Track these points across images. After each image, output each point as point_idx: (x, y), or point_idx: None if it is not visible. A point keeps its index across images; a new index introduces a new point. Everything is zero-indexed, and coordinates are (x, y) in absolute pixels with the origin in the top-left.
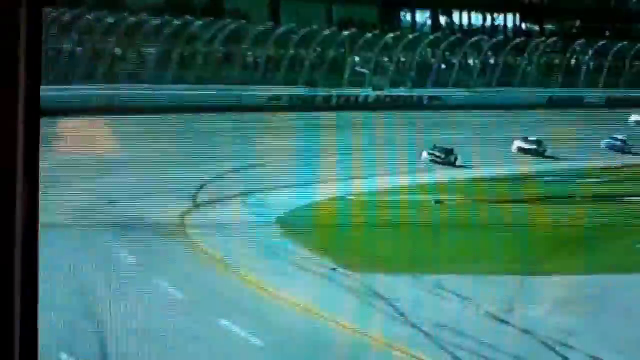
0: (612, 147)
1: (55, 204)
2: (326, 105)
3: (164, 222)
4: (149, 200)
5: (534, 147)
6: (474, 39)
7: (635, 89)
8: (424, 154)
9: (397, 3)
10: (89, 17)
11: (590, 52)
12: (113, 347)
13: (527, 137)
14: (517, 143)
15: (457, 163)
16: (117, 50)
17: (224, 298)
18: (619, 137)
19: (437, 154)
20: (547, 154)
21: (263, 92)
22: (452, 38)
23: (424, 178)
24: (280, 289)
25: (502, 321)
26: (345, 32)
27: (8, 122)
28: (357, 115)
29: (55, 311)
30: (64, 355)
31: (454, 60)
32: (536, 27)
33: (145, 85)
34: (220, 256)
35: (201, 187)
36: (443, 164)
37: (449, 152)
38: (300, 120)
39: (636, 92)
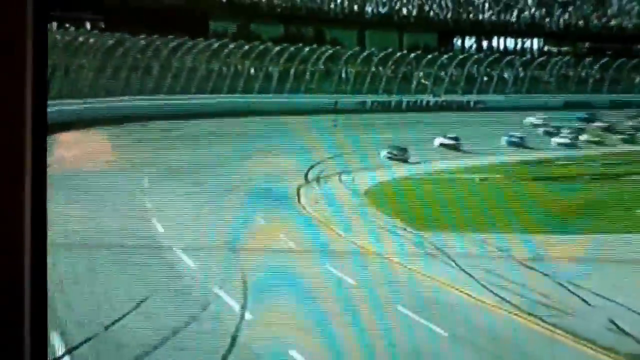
0: (511, 143)
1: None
2: (398, 108)
3: (285, 194)
4: (275, 177)
5: (452, 142)
6: (508, 58)
7: (630, 95)
8: (383, 153)
9: (450, 32)
10: (232, 46)
11: (596, 67)
12: (251, 279)
13: (446, 135)
14: (439, 140)
15: (410, 160)
16: (252, 71)
17: (326, 249)
18: (517, 134)
19: (394, 152)
20: (462, 148)
21: (353, 99)
22: (491, 57)
23: (470, 161)
24: (364, 242)
25: (529, 267)
26: (412, 54)
27: (15, 136)
28: (421, 115)
29: (212, 251)
30: (216, 288)
31: (494, 74)
32: (554, 49)
33: (270, 95)
34: (323, 217)
35: (310, 168)
36: (399, 160)
37: (404, 150)
38: (379, 119)
39: (631, 97)
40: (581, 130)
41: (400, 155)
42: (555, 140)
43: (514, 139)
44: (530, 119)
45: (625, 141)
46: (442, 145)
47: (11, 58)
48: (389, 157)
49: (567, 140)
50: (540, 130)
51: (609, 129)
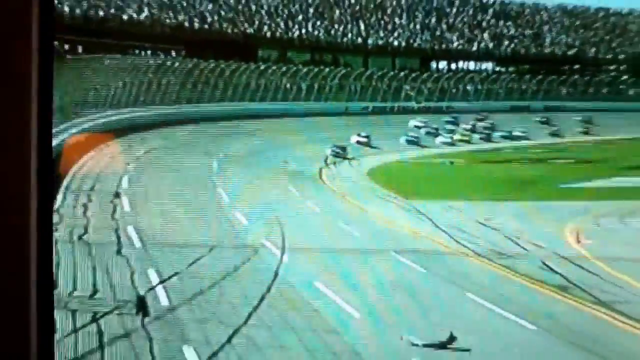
0: (409, 142)
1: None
2: (391, 111)
3: (311, 173)
4: (304, 161)
5: (365, 140)
6: (470, 75)
7: (558, 101)
8: (328, 152)
9: (429, 57)
10: (274, 68)
11: (533, 82)
12: (288, 233)
13: (360, 133)
14: (354, 137)
15: (349, 155)
16: (288, 85)
17: (340, 212)
18: (413, 134)
19: (337, 150)
20: (372, 144)
21: (359, 105)
22: (459, 75)
23: (444, 149)
24: (367, 206)
25: (482, 224)
26: (402, 73)
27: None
28: (407, 117)
29: (260, 213)
30: (263, 239)
31: (460, 87)
32: (503, 69)
33: (301, 103)
34: (338, 190)
35: (327, 156)
36: (341, 157)
37: (343, 148)
38: (378, 120)
39: (559, 103)
40: (453, 131)
41: (342, 152)
42: (439, 139)
43: (410, 138)
44: (413, 122)
45: (482, 139)
46: (357, 142)
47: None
48: (333, 155)
49: (448, 140)
50: (423, 131)
51: (472, 130)
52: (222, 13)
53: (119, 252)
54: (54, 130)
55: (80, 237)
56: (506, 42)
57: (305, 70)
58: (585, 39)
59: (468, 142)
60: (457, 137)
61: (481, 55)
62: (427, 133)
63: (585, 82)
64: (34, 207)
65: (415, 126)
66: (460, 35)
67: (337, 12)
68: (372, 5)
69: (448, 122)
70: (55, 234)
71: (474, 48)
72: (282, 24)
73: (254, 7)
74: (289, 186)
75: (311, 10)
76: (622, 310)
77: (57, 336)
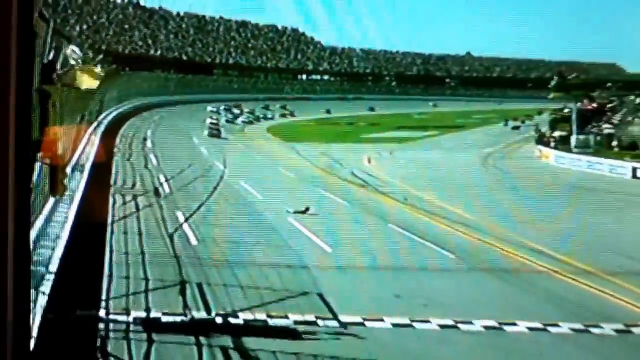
0: (227, 121)
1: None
2: (286, 98)
3: (242, 128)
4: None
5: (215, 121)
6: (321, 82)
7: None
8: (205, 132)
9: (298, 73)
10: (222, 78)
11: (348, 85)
12: (228, 160)
13: (212, 116)
14: (208, 120)
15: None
16: (228, 86)
17: (253, 147)
18: (230, 115)
19: (214, 131)
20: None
21: (265, 94)
22: (313, 81)
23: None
24: (273, 151)
25: (323, 154)
26: (284, 81)
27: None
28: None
29: (213, 146)
30: (216, 162)
31: (314, 87)
32: (333, 79)
33: (235, 94)
34: (255, 138)
35: (249, 121)
36: (215, 136)
37: (219, 130)
38: (278, 102)
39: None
40: (238, 114)
41: (217, 132)
42: (240, 119)
43: (228, 118)
44: (209, 108)
45: (261, 120)
46: (211, 123)
47: None
48: (209, 134)
49: (246, 119)
50: (224, 112)
51: (240, 113)
52: (197, 52)
53: (145, 166)
54: (116, 106)
55: (128, 159)
56: (326, 65)
57: (236, 79)
58: (375, 66)
59: (252, 122)
60: (245, 117)
61: (329, 72)
62: (231, 115)
63: (370, 87)
64: (11, 205)
65: (210, 110)
66: (312, 63)
67: (252, 52)
68: (269, 49)
69: (225, 110)
70: (116, 157)
71: (327, 67)
72: (224, 57)
73: (212, 49)
74: (229, 135)
75: (239, 50)
76: (387, 193)
77: (115, 206)
